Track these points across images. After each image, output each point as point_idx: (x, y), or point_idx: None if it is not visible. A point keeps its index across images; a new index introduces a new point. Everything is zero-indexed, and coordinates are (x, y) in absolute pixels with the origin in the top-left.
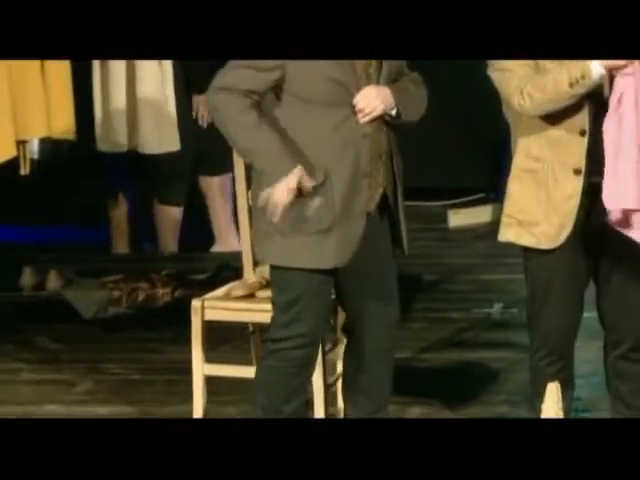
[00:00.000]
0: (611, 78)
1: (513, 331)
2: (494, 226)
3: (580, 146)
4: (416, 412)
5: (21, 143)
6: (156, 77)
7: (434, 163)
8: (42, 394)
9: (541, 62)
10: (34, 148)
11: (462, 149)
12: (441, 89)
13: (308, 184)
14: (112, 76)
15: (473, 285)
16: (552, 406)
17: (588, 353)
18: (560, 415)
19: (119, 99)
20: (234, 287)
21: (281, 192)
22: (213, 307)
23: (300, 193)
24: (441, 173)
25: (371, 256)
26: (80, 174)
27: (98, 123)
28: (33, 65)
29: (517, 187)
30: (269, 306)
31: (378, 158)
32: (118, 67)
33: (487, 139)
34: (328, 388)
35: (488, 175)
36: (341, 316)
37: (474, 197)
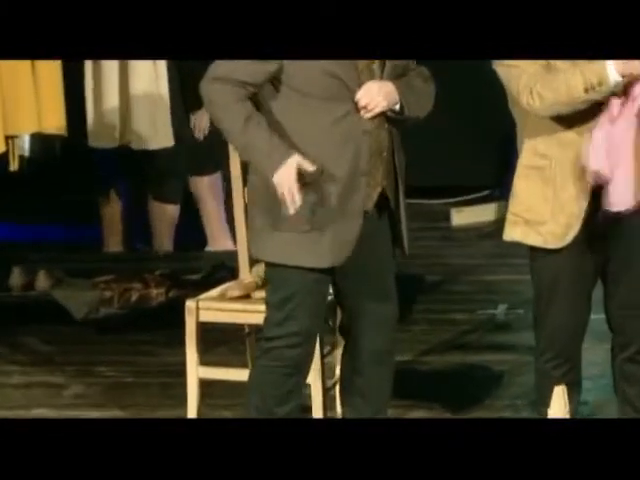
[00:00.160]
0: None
1: (518, 333)
2: (499, 225)
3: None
4: (417, 417)
5: (10, 139)
6: (149, 72)
7: (436, 159)
8: (31, 397)
9: (552, 62)
10: (24, 145)
11: (465, 145)
12: (444, 83)
13: (309, 168)
14: (104, 71)
15: (477, 286)
16: (558, 410)
17: (595, 355)
18: None
19: (111, 94)
20: (230, 287)
21: (285, 178)
22: (208, 308)
23: (300, 185)
24: (444, 170)
25: (369, 255)
26: (71, 171)
27: (90, 118)
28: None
29: (523, 185)
30: None
31: (378, 156)
32: (110, 62)
33: (492, 135)
34: (326, 392)
35: (492, 172)
36: (340, 317)
37: (478, 195)
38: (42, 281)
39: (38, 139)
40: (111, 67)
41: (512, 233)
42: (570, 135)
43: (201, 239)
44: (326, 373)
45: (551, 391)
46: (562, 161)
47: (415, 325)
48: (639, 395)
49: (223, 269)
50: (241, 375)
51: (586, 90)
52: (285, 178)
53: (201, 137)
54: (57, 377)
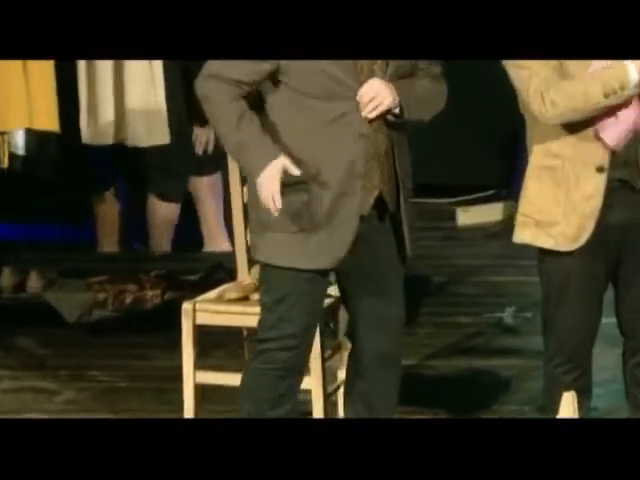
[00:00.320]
0: None
1: (526, 337)
2: (505, 225)
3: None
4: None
5: (0, 135)
6: (145, 68)
7: (442, 157)
8: (22, 403)
9: (565, 63)
10: (17, 142)
11: (471, 142)
12: (449, 78)
13: (294, 172)
14: (98, 66)
15: (483, 288)
16: (568, 417)
17: (606, 360)
18: None
19: (106, 90)
20: (228, 289)
21: (269, 180)
22: (205, 310)
23: (288, 187)
24: (449, 168)
25: (371, 257)
26: (64, 168)
27: (83, 115)
28: None
29: (534, 185)
30: None
31: (375, 159)
32: None
33: (498, 132)
34: (327, 397)
35: (499, 171)
36: (342, 319)
37: (484, 194)
38: (34, 282)
39: (32, 136)
40: (105, 63)
41: (522, 235)
42: (584, 134)
43: (198, 240)
44: (327, 378)
45: (560, 397)
46: (575, 161)
47: (419, 328)
48: None
49: (221, 270)
50: (239, 380)
51: (606, 95)
52: (268, 180)
53: (200, 152)
54: (48, 382)
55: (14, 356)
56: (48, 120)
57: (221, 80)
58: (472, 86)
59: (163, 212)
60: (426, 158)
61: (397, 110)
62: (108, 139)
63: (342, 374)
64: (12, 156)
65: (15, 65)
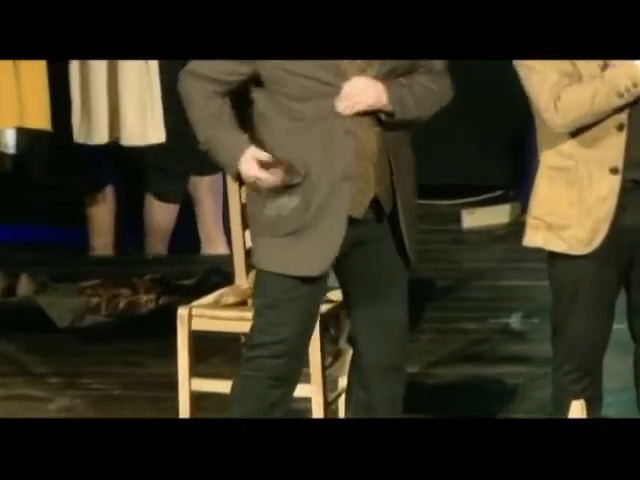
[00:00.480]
0: None
1: (533, 343)
2: (512, 227)
3: (617, 142)
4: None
5: None
6: (140, 64)
7: (446, 157)
8: (12, 411)
9: (577, 66)
10: (7, 141)
11: (477, 141)
12: (454, 74)
13: (266, 158)
14: (92, 62)
15: (489, 292)
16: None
17: (617, 368)
18: None
19: (99, 87)
20: (224, 294)
21: (246, 166)
22: (201, 316)
23: (273, 191)
24: (454, 169)
25: (370, 262)
26: (56, 168)
27: (76, 113)
28: None
29: (546, 187)
30: None
31: (366, 160)
32: None
33: (505, 130)
34: (328, 406)
35: (506, 171)
36: (346, 325)
37: (491, 195)
38: (24, 286)
39: (23, 135)
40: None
41: (533, 238)
42: (597, 134)
43: (195, 242)
44: (328, 386)
45: (569, 406)
46: (589, 160)
47: (423, 334)
48: None
49: (218, 274)
50: None
51: (620, 95)
52: (246, 166)
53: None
54: (39, 390)
55: (3, 363)
56: (40, 118)
57: (197, 77)
58: (476, 82)
59: (161, 213)
60: (430, 158)
61: (389, 109)
62: (102, 138)
63: (343, 382)
64: (2, 155)
65: (5, 62)
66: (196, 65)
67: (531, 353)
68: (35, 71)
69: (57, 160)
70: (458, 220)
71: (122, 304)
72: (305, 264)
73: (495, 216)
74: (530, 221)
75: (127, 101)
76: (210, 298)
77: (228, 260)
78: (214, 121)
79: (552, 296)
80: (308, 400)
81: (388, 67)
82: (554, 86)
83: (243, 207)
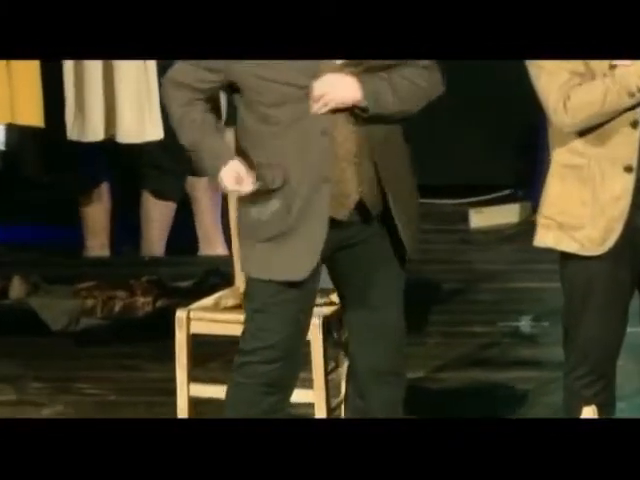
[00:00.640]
0: None
1: (544, 347)
2: (521, 227)
3: (631, 139)
4: None
5: None
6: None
7: (453, 156)
8: (4, 417)
9: (590, 65)
10: None
11: (485, 139)
12: (459, 70)
13: (244, 174)
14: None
15: (498, 294)
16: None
17: (631, 372)
18: None
19: (95, 82)
20: (224, 296)
21: (225, 177)
22: (200, 319)
23: (254, 195)
24: (461, 167)
25: (361, 264)
26: (50, 165)
27: (70, 109)
28: None
29: (557, 186)
30: None
31: (344, 160)
32: None
33: (515, 128)
34: (331, 412)
35: (515, 170)
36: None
37: (499, 194)
38: (17, 288)
39: (14, 132)
40: None
41: (544, 238)
42: (610, 131)
43: (193, 243)
44: (331, 391)
45: (580, 412)
46: (602, 158)
47: (429, 338)
48: None
49: (217, 275)
50: None
51: (632, 95)
52: (227, 176)
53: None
54: (33, 395)
55: None
56: (32, 115)
57: (177, 85)
58: (486, 82)
59: (158, 211)
60: (436, 157)
61: (363, 104)
62: (97, 135)
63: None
64: None
65: None
66: (174, 72)
67: (542, 357)
68: (27, 67)
69: (50, 157)
70: (465, 220)
71: (118, 306)
72: (288, 268)
73: (504, 215)
74: (541, 221)
75: (124, 98)
76: (209, 300)
77: (227, 261)
78: (196, 128)
79: (564, 298)
80: (311, 406)
81: (365, 65)
82: (563, 85)
83: None
